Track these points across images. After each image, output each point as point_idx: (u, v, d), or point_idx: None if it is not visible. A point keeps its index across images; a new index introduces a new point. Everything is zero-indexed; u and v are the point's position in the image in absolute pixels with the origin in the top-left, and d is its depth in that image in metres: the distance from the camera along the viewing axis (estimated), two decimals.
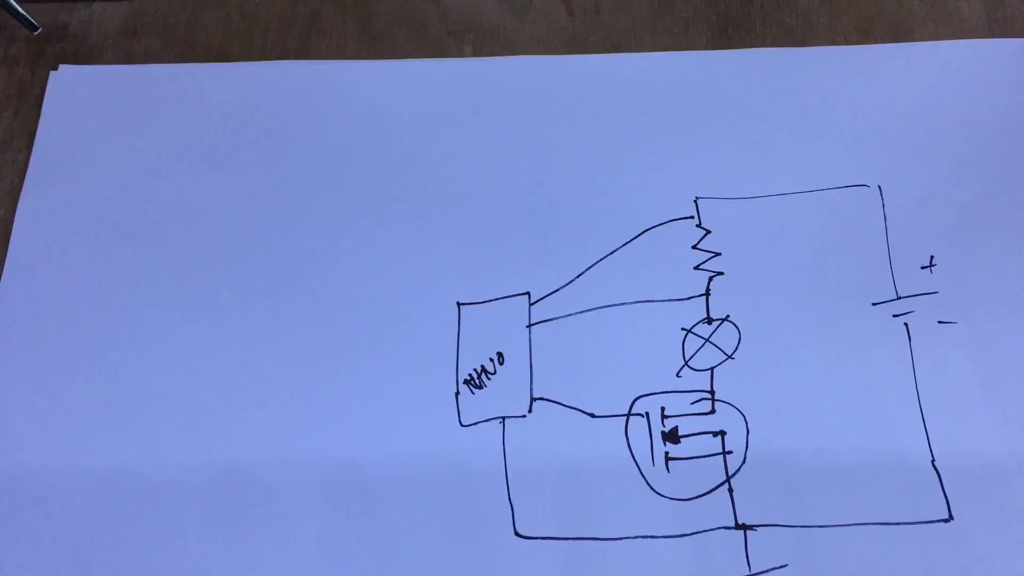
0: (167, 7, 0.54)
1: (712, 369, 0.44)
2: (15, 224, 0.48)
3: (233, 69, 0.52)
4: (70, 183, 0.49)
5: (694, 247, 0.47)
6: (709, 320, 0.45)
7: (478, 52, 0.52)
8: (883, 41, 0.52)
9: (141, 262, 0.47)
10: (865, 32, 0.52)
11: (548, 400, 0.43)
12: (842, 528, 0.41)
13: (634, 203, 0.48)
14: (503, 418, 0.43)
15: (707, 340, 0.45)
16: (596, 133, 0.49)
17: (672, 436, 0.43)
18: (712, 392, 0.44)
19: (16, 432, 0.43)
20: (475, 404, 0.44)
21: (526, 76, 0.51)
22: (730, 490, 0.42)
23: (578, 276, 0.46)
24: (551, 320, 0.45)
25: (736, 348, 0.45)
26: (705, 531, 0.41)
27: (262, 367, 0.44)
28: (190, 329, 0.45)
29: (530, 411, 0.43)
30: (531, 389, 0.44)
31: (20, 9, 0.52)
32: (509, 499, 0.42)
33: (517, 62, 0.52)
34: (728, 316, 0.45)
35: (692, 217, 0.47)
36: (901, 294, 0.45)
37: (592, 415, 0.43)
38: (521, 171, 0.48)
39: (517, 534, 0.41)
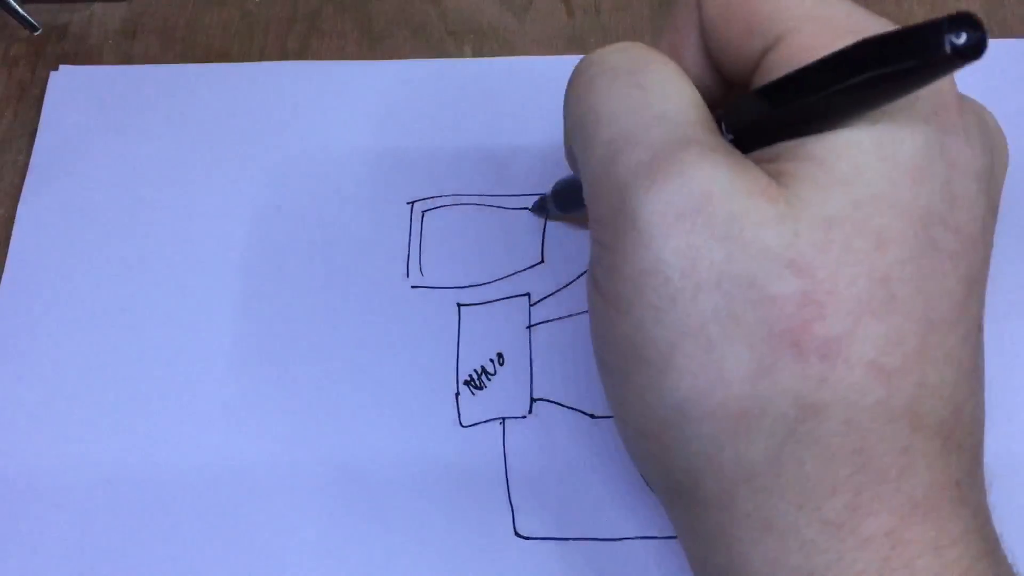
0: (167, 7, 0.54)
1: None
2: (15, 224, 0.48)
3: (233, 69, 0.52)
4: (70, 183, 0.49)
5: None
6: None
7: (478, 52, 0.52)
8: None
9: (141, 262, 0.47)
10: None
11: (548, 401, 0.43)
12: None
13: None
14: (503, 419, 0.43)
15: None
16: None
17: None
18: None
19: (16, 432, 0.43)
20: (475, 405, 0.43)
21: (526, 76, 0.51)
22: None
23: (578, 277, 0.46)
24: (551, 321, 0.45)
25: None
26: None
27: (261, 367, 0.44)
28: (190, 329, 0.45)
29: (530, 411, 0.43)
30: (531, 390, 0.44)
31: (20, 9, 0.52)
32: (509, 499, 0.42)
33: (517, 62, 0.52)
34: None
35: None
36: None
37: (592, 415, 0.43)
38: (521, 171, 0.48)
39: (517, 534, 0.41)
